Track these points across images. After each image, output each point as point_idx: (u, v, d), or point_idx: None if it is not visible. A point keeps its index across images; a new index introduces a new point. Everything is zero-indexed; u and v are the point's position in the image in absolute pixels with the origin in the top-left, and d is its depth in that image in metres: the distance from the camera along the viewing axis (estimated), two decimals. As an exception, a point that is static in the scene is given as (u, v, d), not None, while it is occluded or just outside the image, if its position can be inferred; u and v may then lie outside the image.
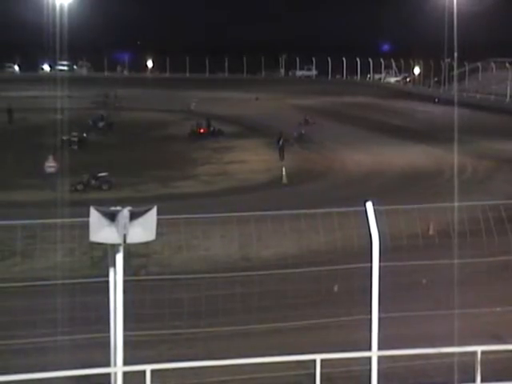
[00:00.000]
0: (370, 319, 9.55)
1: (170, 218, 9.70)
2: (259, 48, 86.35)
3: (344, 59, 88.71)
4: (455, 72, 67.36)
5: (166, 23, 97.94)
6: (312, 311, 13.77)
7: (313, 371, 9.35)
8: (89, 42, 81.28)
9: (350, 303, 13.15)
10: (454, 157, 31.20)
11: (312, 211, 15.93)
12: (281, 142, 41.00)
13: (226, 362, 9.47)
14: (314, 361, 9.29)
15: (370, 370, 9.57)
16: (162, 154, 41.64)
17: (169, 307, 13.14)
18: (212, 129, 49.45)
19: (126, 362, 8.84)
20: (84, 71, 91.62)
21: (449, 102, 56.13)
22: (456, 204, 17.93)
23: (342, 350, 9.76)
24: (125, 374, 8.88)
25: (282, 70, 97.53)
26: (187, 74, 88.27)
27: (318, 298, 14.58)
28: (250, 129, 51.92)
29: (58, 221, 12.86)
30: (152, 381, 8.81)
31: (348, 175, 35.86)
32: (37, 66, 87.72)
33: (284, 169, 35.01)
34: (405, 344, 10.73)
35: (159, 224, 8.53)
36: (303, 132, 46.53)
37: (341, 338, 12.54)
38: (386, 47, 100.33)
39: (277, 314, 13.66)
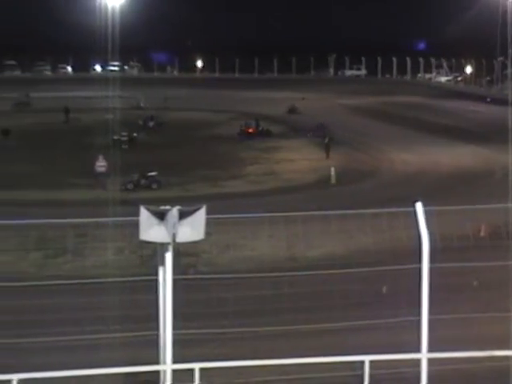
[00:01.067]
0: (420, 321, 9.44)
1: (219, 218, 9.72)
2: (308, 48, 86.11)
3: (394, 59, 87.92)
4: (509, 70, 66.17)
5: (216, 23, 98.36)
6: (360, 312, 13.68)
7: (360, 372, 9.28)
8: (139, 43, 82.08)
9: (398, 304, 13.03)
10: (504, 157, 30.67)
11: (360, 211, 15.85)
12: (326, 140, 40.96)
13: (273, 362, 9.46)
14: (363, 362, 9.22)
15: (419, 373, 9.46)
16: (210, 154, 41.86)
17: (216, 306, 13.19)
18: (260, 129, 49.51)
19: (174, 360, 8.90)
20: (134, 72, 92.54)
21: (501, 102, 55.09)
22: (511, 205, 17.60)
23: (390, 352, 9.67)
24: (173, 371, 8.94)
25: (331, 70, 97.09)
26: (236, 74, 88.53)
27: (366, 299, 14.49)
28: (296, 129, 51.81)
29: (108, 220, 13.01)
30: (200, 379, 8.85)
31: (396, 175, 35.56)
32: (89, 67, 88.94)
33: (333, 169, 34.86)
34: (455, 346, 10.57)
35: (208, 223, 8.56)
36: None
37: (389, 339, 12.43)
38: (435, 46, 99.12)
39: (324, 315, 13.59)
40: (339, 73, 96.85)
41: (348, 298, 14.46)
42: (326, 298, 14.33)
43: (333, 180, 34.24)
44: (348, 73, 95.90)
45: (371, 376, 9.30)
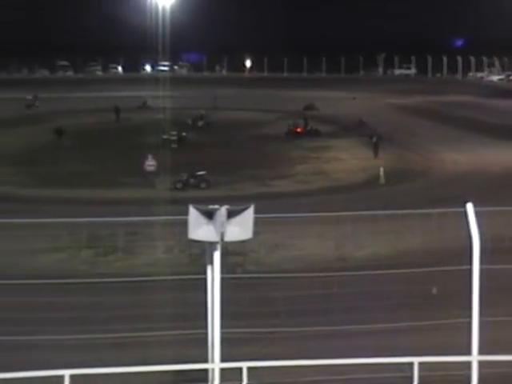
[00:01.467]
0: (470, 323, 9.32)
1: (267, 217, 9.74)
2: (357, 47, 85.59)
3: (444, 57, 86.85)
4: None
5: (265, 23, 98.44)
6: (408, 313, 13.55)
7: (409, 374, 9.21)
8: (189, 43, 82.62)
9: (448, 306, 12.89)
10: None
11: (409, 212, 15.70)
12: (374, 139, 40.70)
13: (321, 362, 9.45)
14: (412, 363, 9.15)
15: (469, 375, 9.34)
16: (258, 153, 41.93)
17: (265, 306, 13.21)
18: (309, 128, 49.40)
19: (222, 359, 8.95)
20: (184, 71, 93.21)
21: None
22: None
23: (440, 354, 9.58)
24: (221, 370, 8.99)
25: (381, 69, 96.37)
26: (285, 74, 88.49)
27: (416, 300, 14.35)
28: (346, 128, 51.57)
29: (158, 218, 13.16)
30: (248, 378, 8.89)
31: (446, 175, 35.13)
32: (139, 67, 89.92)
33: (382, 169, 34.61)
34: (506, 349, 10.41)
35: (256, 223, 8.59)
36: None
37: (439, 341, 12.29)
38: (486, 45, 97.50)
39: (373, 315, 13.50)
40: (388, 72, 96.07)
41: (397, 298, 14.34)
42: (375, 299, 14.24)
43: (382, 180, 33.98)
44: (397, 72, 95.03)
45: (420, 378, 9.22)
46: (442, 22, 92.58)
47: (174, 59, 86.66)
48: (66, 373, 8.62)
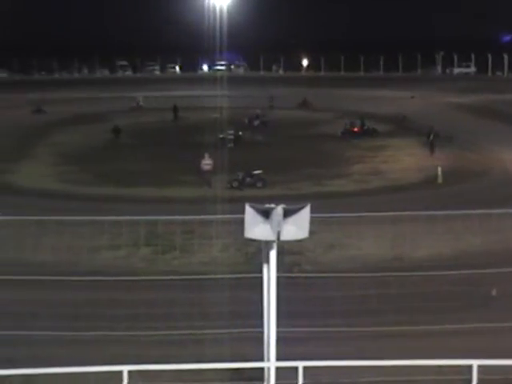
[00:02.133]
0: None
1: (323, 217, 9.71)
2: (415, 45, 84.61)
3: (505, 55, 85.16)
4: None
5: (322, 22, 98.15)
6: (467, 315, 13.37)
7: (467, 377, 9.07)
8: (245, 42, 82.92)
9: (508, 308, 12.65)
10: None
11: (467, 212, 15.47)
12: (431, 137, 40.20)
13: (378, 363, 9.36)
14: (470, 366, 9.00)
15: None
16: (315, 153, 41.81)
17: (321, 305, 13.18)
18: (366, 127, 49.05)
19: (278, 358, 8.95)
20: (241, 71, 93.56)
21: None
22: None
23: (500, 357, 9.40)
24: (277, 369, 9.00)
25: (439, 68, 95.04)
26: (342, 73, 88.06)
27: (475, 302, 14.13)
28: (404, 127, 51.02)
29: (215, 217, 13.24)
30: (304, 377, 8.87)
31: (507, 175, 34.43)
32: (196, 67, 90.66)
33: (439, 168, 34.15)
34: None
35: (312, 222, 8.57)
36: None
37: (499, 343, 12.09)
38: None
39: (430, 317, 13.36)
40: (447, 70, 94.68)
41: (456, 300, 14.15)
42: (433, 300, 14.07)
43: (439, 179, 33.54)
44: (456, 70, 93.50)
45: (479, 381, 9.06)
46: (499, 20, 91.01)
47: (230, 59, 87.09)
48: (125, 368, 8.73)
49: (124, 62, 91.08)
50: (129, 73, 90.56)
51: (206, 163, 34.18)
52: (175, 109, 56.17)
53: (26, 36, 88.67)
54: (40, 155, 41.63)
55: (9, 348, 9.18)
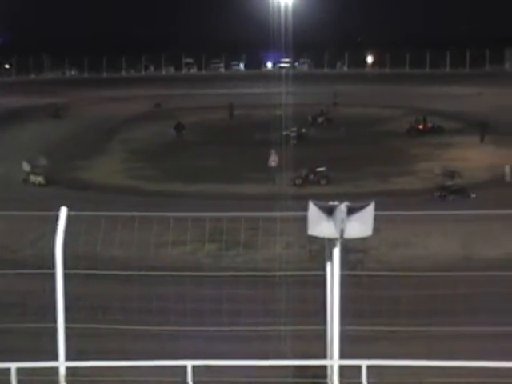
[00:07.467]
0: None
1: (388, 214, 9.60)
2: (482, 41, 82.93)
3: None
4: None
5: (386, 19, 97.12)
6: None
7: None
8: (310, 39, 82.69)
9: None
10: None
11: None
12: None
13: (445, 364, 9.19)
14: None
15: None
16: (380, 150, 41.43)
17: (386, 304, 13.03)
18: (431, 125, 48.34)
19: (341, 356, 8.90)
20: (305, 68, 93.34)
21: None
22: None
23: None
24: (340, 367, 8.95)
25: (508, 64, 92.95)
26: (407, 69, 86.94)
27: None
28: (471, 125, 50.10)
29: (279, 214, 13.23)
30: (368, 376, 8.80)
31: None
32: (260, 64, 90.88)
33: (508, 166, 33.44)
34: None
35: (377, 220, 8.48)
36: None
37: None
38: None
39: (502, 318, 13.03)
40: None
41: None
42: (505, 301, 13.74)
43: (508, 177, 32.84)
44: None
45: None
46: None
47: (295, 56, 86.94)
48: (189, 363, 8.81)
49: (190, 60, 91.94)
50: (194, 70, 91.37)
51: (273, 160, 34.30)
52: (231, 107, 56.34)
53: (94, 36, 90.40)
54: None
55: (79, 340, 9.37)
